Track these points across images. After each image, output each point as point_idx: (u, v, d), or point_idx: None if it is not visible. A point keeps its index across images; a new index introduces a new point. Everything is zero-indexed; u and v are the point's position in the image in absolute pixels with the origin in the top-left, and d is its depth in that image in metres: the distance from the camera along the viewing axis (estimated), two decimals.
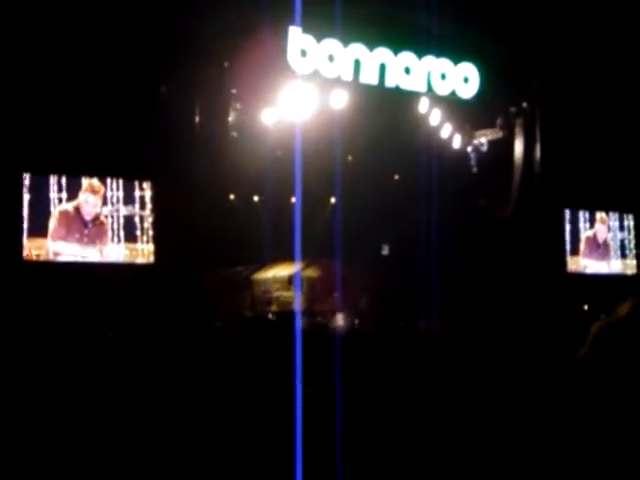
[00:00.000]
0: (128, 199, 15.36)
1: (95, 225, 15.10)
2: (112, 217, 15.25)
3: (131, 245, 15.42)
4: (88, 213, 15.03)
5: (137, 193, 15.46)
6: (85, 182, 15.03)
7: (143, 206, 15.49)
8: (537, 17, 16.87)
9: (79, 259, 14.87)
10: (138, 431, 2.70)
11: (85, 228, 15.00)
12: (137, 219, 15.43)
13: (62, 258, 14.68)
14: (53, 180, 14.68)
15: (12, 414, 2.75)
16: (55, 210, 14.68)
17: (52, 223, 14.65)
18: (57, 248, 14.67)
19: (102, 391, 2.83)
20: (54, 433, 2.73)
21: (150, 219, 15.48)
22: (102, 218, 15.15)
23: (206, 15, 14.60)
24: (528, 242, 18.18)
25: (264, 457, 2.51)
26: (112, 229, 15.22)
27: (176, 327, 2.80)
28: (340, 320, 15.24)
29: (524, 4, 16.68)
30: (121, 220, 15.31)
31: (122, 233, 15.28)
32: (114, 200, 15.24)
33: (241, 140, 16.86)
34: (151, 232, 15.45)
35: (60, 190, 14.73)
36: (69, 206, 14.83)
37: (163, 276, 14.90)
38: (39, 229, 14.53)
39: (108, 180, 15.20)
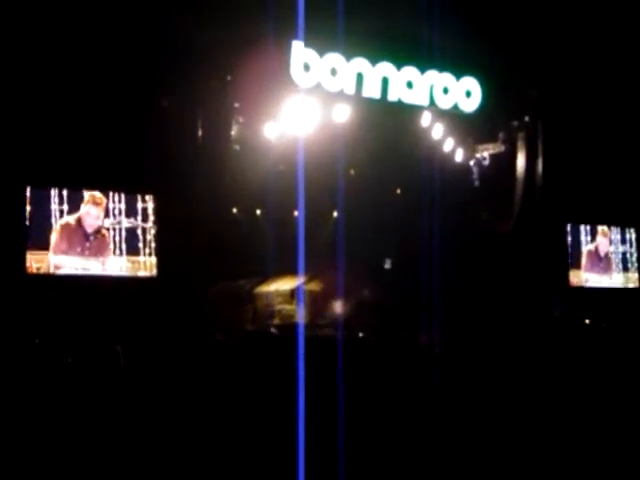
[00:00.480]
0: (130, 211, 15.31)
1: (97, 238, 15.06)
2: (114, 229, 15.20)
3: (133, 258, 15.39)
4: (90, 225, 14.99)
5: (139, 205, 15.42)
6: (87, 194, 15.01)
7: (145, 218, 15.45)
8: (539, 31, 16.93)
9: (80, 272, 14.83)
10: (143, 443, 2.70)
11: (87, 241, 14.97)
12: (139, 231, 15.39)
13: (64, 271, 14.65)
14: (54, 192, 14.65)
15: (16, 426, 2.76)
16: (57, 223, 14.65)
17: (54, 236, 14.61)
18: (58, 261, 14.64)
19: (104, 404, 2.84)
20: (56, 445, 2.73)
21: (152, 231, 15.45)
22: (104, 231, 15.12)
23: (209, 29, 14.65)
24: (530, 256, 18.19)
25: (268, 467, 2.52)
26: (114, 241, 15.17)
27: (178, 340, 2.81)
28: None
29: (525, 17, 16.73)
30: (123, 232, 15.26)
31: (124, 246, 15.25)
32: (116, 212, 15.21)
33: (244, 153, 16.89)
34: (153, 244, 15.43)
35: (61, 202, 14.69)
36: (70, 219, 14.80)
37: (166, 289, 14.89)
38: (40, 242, 14.50)
39: (110, 192, 15.20)
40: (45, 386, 2.86)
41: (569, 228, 19.72)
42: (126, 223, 15.29)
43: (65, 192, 14.75)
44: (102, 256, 15.09)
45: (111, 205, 15.16)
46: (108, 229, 15.14)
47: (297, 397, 2.47)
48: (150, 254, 15.45)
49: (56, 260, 14.62)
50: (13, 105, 13.85)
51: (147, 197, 15.47)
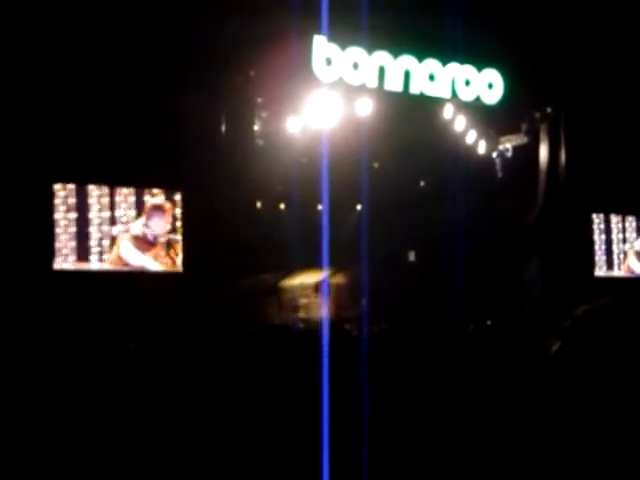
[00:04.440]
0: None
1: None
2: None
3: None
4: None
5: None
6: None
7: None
8: (560, 22, 16.86)
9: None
10: (176, 437, 2.76)
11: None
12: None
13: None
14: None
15: (31, 421, 2.83)
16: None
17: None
18: None
19: (136, 398, 2.90)
20: (69, 441, 2.79)
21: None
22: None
23: (231, 25, 14.72)
24: (554, 247, 18.13)
25: (293, 463, 2.58)
26: None
27: (208, 334, 2.86)
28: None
29: (547, 9, 16.66)
30: None
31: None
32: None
33: (267, 148, 16.95)
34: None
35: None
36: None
37: (191, 284, 15.00)
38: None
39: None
40: (50, 381, 2.93)
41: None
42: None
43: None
44: None
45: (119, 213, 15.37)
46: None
47: (323, 390, 2.53)
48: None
49: None
50: (44, 104, 13.99)
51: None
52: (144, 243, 15.37)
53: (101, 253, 15.02)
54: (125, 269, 15.23)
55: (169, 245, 15.58)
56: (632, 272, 19.91)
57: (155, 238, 15.41)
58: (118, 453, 2.73)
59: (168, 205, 15.60)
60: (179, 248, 15.62)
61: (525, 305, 14.58)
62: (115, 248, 15.11)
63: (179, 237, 15.67)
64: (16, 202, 13.77)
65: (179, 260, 15.72)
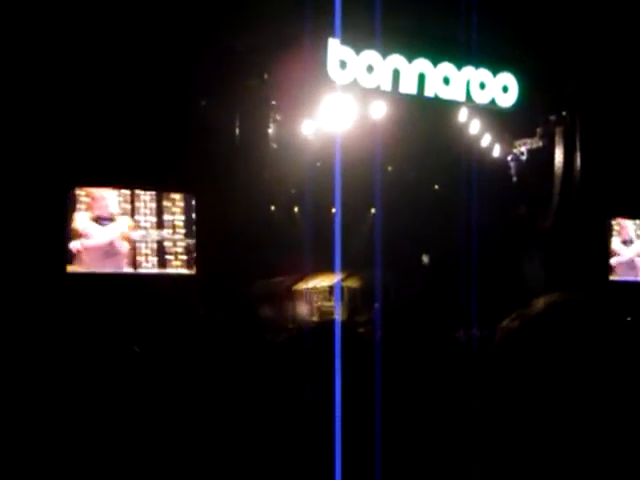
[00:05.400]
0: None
1: None
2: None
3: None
4: None
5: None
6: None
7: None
8: (575, 26, 16.79)
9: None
10: (198, 444, 2.75)
11: None
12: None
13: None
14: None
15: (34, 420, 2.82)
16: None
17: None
18: None
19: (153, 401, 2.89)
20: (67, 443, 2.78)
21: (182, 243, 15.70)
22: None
23: (246, 29, 14.74)
24: (570, 251, 18.06)
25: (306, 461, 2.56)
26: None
27: (223, 338, 2.85)
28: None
29: (561, 13, 16.60)
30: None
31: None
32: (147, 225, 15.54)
33: (281, 151, 16.97)
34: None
35: None
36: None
37: (205, 287, 15.01)
38: None
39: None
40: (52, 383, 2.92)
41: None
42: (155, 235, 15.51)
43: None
44: None
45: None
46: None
47: (334, 393, 2.51)
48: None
49: None
50: (61, 108, 14.04)
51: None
52: None
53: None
54: (139, 272, 15.25)
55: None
56: None
57: None
58: (118, 453, 2.73)
59: None
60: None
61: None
62: None
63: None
64: (32, 205, 13.81)
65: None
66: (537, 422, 2.19)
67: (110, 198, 14.98)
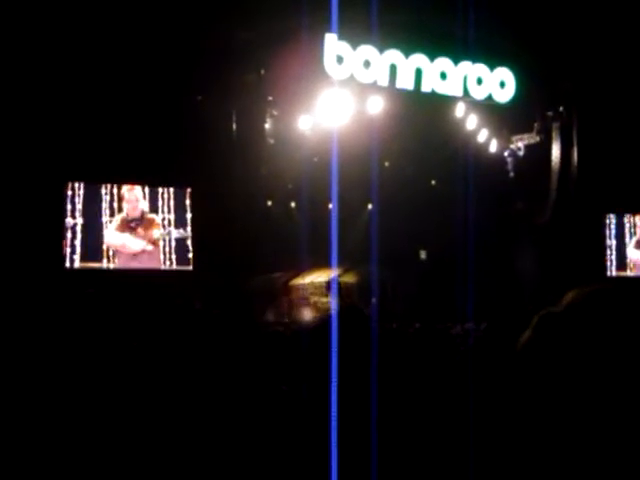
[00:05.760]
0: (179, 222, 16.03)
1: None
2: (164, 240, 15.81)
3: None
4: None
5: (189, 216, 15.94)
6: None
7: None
8: (572, 21, 16.79)
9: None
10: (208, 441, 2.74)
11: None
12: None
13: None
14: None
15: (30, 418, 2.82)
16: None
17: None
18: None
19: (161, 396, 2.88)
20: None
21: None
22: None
23: (243, 24, 14.72)
24: (567, 246, 18.06)
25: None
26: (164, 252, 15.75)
27: (219, 333, 2.84)
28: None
29: (558, 8, 16.60)
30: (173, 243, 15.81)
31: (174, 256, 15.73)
32: (165, 223, 15.69)
33: (278, 146, 16.95)
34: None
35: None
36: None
37: (202, 282, 15.01)
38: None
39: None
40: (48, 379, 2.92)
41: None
42: (175, 234, 15.62)
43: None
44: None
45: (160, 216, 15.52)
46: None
47: (331, 389, 2.50)
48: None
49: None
50: (57, 104, 14.03)
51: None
52: None
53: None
54: (136, 267, 15.27)
55: None
56: None
57: None
58: (117, 444, 2.72)
59: None
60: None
61: (529, 302, 14.55)
62: None
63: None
64: (29, 202, 13.81)
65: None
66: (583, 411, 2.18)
67: (140, 197, 15.29)
